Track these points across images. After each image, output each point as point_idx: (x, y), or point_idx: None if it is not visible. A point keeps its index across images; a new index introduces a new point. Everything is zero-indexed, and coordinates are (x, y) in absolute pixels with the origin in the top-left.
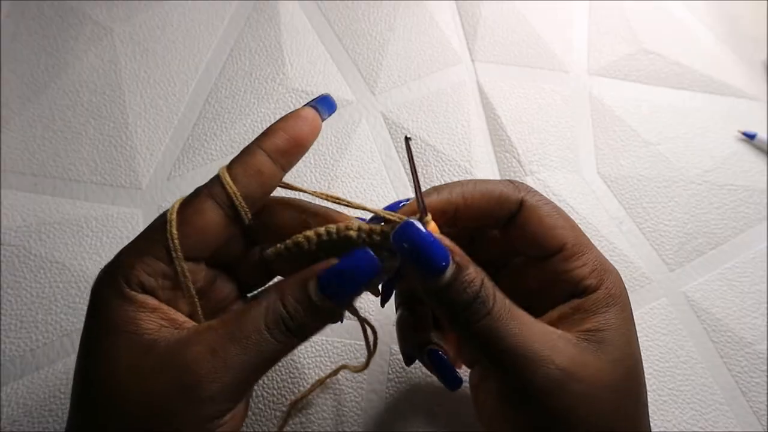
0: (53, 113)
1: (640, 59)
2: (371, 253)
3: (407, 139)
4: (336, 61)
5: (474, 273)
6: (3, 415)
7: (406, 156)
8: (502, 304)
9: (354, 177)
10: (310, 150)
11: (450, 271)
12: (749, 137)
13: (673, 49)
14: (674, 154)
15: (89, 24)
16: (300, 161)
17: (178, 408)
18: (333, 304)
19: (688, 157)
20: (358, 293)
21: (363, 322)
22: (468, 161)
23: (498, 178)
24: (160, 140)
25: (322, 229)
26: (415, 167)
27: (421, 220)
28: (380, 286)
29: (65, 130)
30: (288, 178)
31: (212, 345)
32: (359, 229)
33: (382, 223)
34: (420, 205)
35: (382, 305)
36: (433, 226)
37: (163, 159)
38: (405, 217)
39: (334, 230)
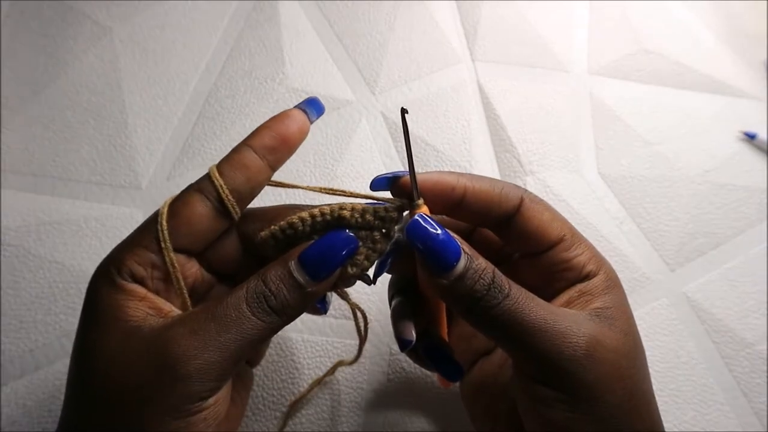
0: (53, 113)
1: (640, 59)
2: (348, 232)
3: (403, 111)
4: (336, 61)
5: (484, 263)
6: (3, 415)
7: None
8: (517, 288)
9: (354, 177)
10: (310, 150)
11: (462, 262)
12: (750, 137)
13: (674, 48)
14: (674, 154)
15: (89, 24)
16: (300, 161)
17: (158, 388)
18: (314, 282)
19: (688, 157)
20: (336, 269)
21: (354, 307)
22: (468, 161)
23: (498, 178)
24: (159, 140)
25: (316, 210)
26: (410, 144)
27: (412, 201)
28: (373, 267)
29: (65, 130)
30: (288, 178)
31: (192, 326)
32: (353, 210)
33: (377, 204)
34: (414, 186)
35: (375, 279)
36: (425, 210)
37: (162, 159)
38: (399, 201)
39: (328, 211)
